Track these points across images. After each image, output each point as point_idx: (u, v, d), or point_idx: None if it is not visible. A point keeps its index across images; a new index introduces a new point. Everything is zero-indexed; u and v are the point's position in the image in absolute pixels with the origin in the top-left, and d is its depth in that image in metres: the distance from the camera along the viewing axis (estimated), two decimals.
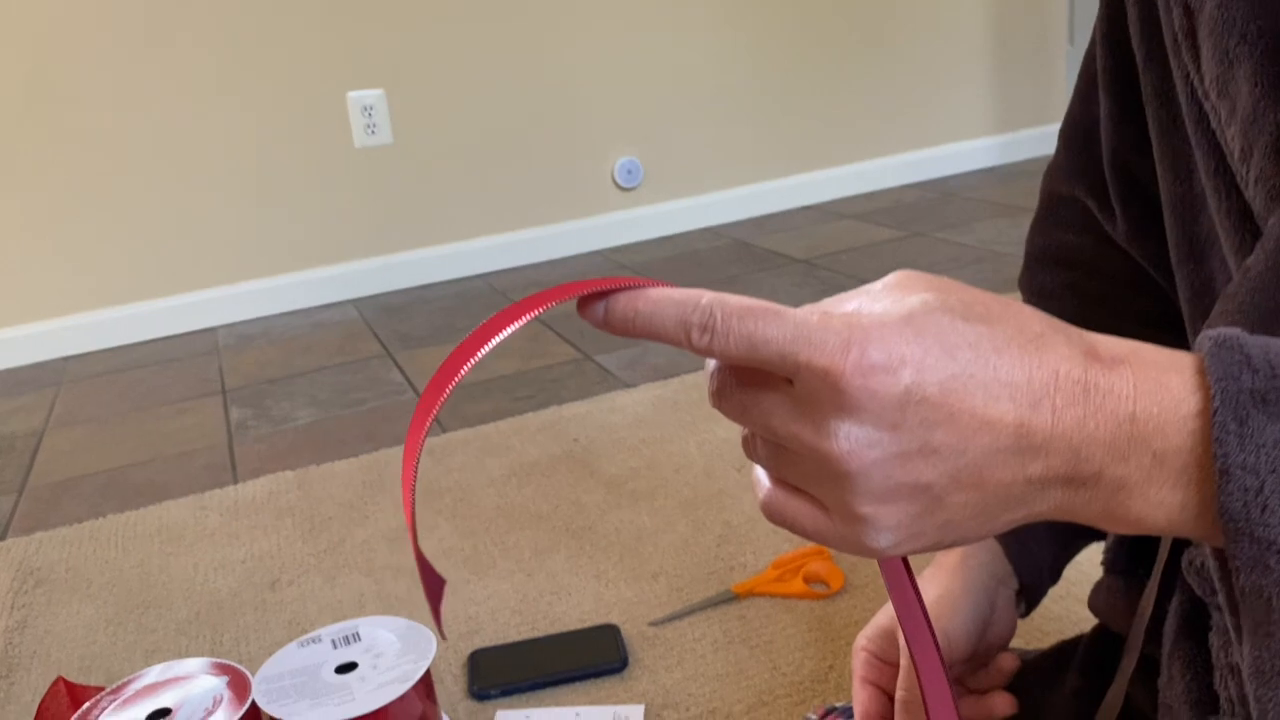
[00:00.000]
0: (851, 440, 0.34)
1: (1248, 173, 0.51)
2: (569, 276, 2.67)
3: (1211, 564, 0.44)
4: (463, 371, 0.36)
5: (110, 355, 2.46)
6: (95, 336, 2.49)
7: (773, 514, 0.38)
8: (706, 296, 0.37)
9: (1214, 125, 0.53)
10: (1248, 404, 0.32)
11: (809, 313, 0.36)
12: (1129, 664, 0.64)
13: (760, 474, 0.40)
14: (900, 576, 0.48)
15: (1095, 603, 0.67)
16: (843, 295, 0.38)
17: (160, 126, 2.44)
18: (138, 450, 1.85)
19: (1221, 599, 0.44)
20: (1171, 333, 0.61)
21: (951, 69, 3.16)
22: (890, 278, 0.38)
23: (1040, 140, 3.33)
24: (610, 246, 2.91)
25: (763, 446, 0.38)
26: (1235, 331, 0.35)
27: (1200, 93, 0.53)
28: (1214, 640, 0.58)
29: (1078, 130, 0.72)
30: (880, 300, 0.36)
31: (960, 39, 3.15)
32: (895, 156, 3.15)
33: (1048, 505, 0.35)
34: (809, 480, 0.37)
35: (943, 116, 3.19)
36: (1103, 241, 0.68)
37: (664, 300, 0.37)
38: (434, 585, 0.40)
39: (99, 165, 2.41)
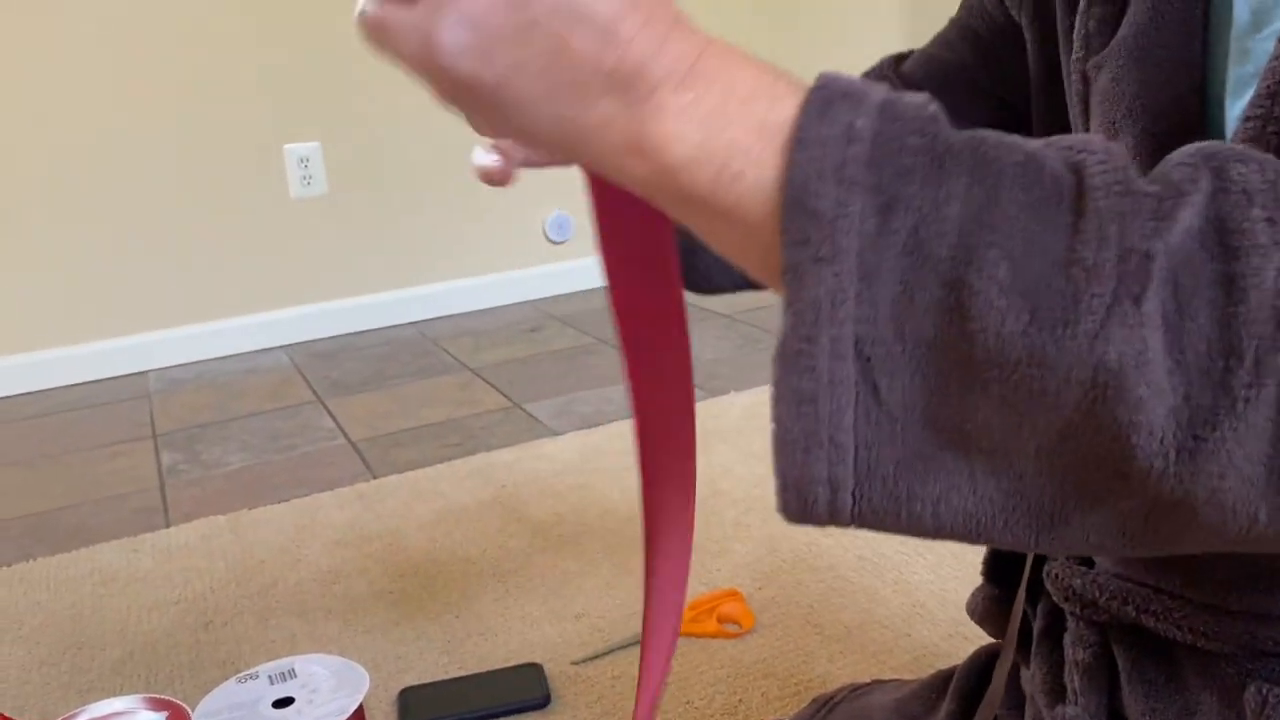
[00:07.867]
0: None
1: None
2: (499, 326, 2.74)
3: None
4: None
5: (39, 398, 2.46)
6: (24, 379, 2.49)
7: (371, 30, 0.38)
8: None
9: None
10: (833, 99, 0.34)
11: None
12: (1005, 659, 0.72)
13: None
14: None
15: (973, 608, 0.75)
16: None
17: (100, 171, 2.46)
18: (67, 493, 1.86)
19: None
20: None
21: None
22: None
23: None
24: (539, 298, 2.98)
25: None
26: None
27: None
28: (1067, 640, 0.66)
29: (933, 66, 0.75)
30: None
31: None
32: None
33: (596, 115, 0.36)
34: None
35: None
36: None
37: None
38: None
39: (34, 207, 2.43)
